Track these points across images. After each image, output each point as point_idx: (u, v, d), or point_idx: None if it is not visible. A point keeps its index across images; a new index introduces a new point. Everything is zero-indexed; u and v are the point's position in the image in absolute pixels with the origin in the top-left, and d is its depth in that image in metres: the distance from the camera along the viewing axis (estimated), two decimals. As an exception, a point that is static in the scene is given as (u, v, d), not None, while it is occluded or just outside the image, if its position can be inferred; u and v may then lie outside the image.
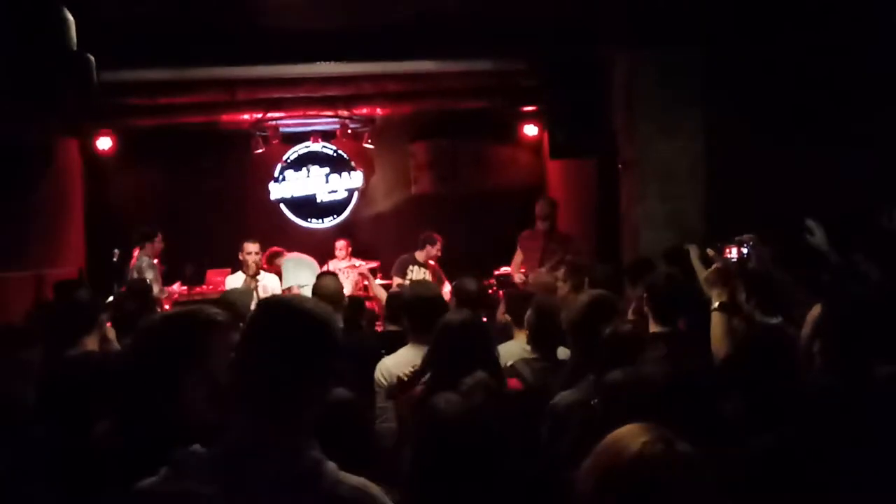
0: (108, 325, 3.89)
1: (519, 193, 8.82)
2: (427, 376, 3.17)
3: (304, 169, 9.56)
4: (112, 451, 1.93)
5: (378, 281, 7.21)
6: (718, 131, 6.02)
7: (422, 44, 6.74)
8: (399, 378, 3.53)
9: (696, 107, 6.10)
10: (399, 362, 3.65)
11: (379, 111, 8.74)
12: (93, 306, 3.73)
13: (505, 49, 6.93)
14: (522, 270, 7.11)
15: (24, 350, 2.63)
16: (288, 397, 1.53)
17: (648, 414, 1.53)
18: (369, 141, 9.23)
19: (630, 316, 3.87)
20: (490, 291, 6.20)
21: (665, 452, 1.43)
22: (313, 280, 4.86)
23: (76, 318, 3.62)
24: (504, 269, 7.86)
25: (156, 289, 6.66)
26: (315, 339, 1.57)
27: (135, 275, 6.84)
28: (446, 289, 6.92)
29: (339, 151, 9.65)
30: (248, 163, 9.26)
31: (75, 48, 3.86)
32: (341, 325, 4.39)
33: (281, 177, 9.51)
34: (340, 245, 8.32)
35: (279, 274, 7.33)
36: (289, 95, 7.81)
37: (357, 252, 8.49)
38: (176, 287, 7.47)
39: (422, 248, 7.44)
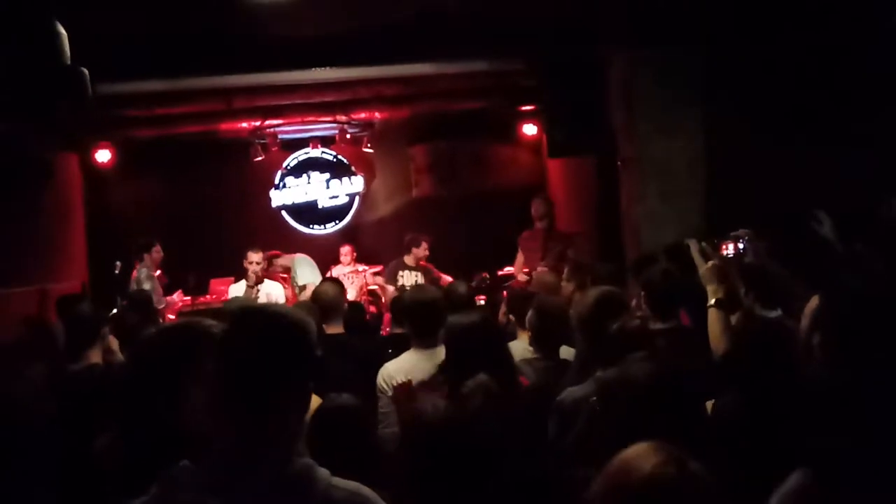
0: (112, 337, 3.91)
1: (519, 193, 8.80)
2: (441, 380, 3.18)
3: (305, 175, 9.54)
4: (113, 462, 1.93)
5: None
6: (718, 131, 5.99)
7: (420, 45, 6.71)
8: (400, 383, 3.54)
9: (695, 106, 6.08)
10: (401, 367, 3.64)
11: (377, 115, 8.73)
12: (95, 320, 3.77)
13: (504, 49, 6.91)
14: (525, 270, 7.12)
15: (26, 365, 2.65)
16: (269, 408, 1.52)
17: (634, 414, 1.53)
18: (369, 145, 9.20)
19: (637, 312, 3.87)
20: (476, 298, 6.21)
21: (677, 474, 1.40)
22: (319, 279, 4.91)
23: (79, 331, 3.67)
24: (508, 270, 7.89)
25: (154, 299, 6.66)
26: (291, 346, 1.56)
27: (135, 287, 6.85)
28: (448, 279, 6.98)
29: (339, 156, 9.63)
30: (247, 171, 9.25)
31: (69, 62, 3.87)
32: (342, 330, 4.44)
33: (281, 184, 9.50)
34: (345, 251, 8.35)
35: (281, 276, 7.35)
36: (286, 102, 7.82)
37: (361, 257, 8.51)
38: (177, 296, 7.45)
39: (408, 251, 7.47)
